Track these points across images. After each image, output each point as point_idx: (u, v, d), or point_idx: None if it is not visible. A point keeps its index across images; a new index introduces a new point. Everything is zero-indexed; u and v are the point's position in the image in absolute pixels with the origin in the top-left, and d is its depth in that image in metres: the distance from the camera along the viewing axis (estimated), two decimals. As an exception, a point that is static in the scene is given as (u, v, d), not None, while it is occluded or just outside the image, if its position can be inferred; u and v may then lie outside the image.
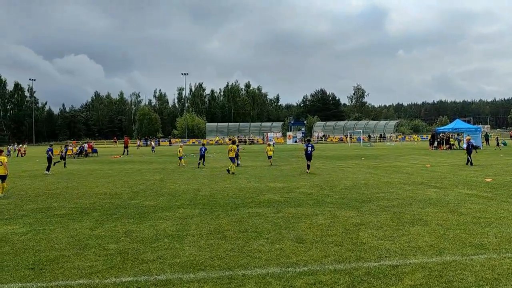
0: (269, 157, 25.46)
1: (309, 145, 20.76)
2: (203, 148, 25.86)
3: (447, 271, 5.65)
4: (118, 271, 5.95)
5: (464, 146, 42.46)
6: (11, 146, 50.90)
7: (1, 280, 5.64)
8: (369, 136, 78.55)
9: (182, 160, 27.13)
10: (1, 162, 13.97)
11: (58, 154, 38.85)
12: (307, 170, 20.06)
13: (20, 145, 49.33)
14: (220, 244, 7.27)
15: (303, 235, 7.75)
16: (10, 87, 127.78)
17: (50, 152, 24.02)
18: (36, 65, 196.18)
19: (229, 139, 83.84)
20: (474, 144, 24.45)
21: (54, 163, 24.64)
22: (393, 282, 5.32)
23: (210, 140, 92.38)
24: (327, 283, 5.33)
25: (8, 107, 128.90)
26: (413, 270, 5.72)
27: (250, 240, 7.50)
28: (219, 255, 6.63)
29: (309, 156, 20.35)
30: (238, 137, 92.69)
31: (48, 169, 22.99)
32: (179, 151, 27.63)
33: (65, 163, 27.09)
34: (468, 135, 35.19)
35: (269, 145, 27.95)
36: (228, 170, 20.36)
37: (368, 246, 6.97)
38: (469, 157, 22.95)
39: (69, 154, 40.81)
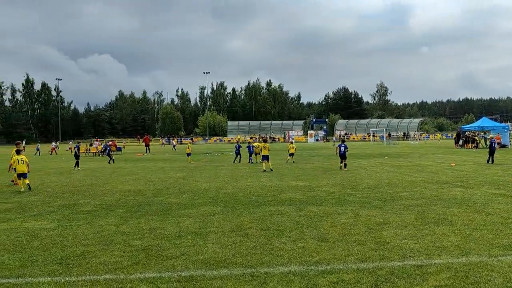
0: (291, 154, 26.09)
1: (342, 145, 21.03)
2: (238, 145, 28.10)
3: (474, 272, 5.54)
4: (143, 267, 6.06)
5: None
6: (39, 144, 52.19)
7: (31, 274, 5.82)
8: (389, 135, 77.24)
9: (190, 157, 29.14)
10: (23, 160, 15.09)
11: (84, 152, 39.68)
12: (344, 169, 20.34)
13: (54, 144, 50.91)
14: (242, 241, 7.32)
15: (325, 234, 7.72)
16: (37, 86, 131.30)
17: (76, 149, 24.88)
18: (61, 65, 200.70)
19: (262, 138, 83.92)
20: (502, 143, 23.83)
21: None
22: (418, 282, 5.25)
23: (232, 139, 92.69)
24: (350, 282, 5.30)
25: (35, 106, 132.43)
26: (438, 271, 5.63)
27: (272, 238, 7.52)
28: (241, 252, 6.67)
29: (343, 156, 20.70)
30: (259, 135, 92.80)
31: (76, 165, 23.84)
32: (188, 147, 30.14)
33: (77, 162, 26.29)
34: (498, 133, 34.34)
35: (291, 143, 28.56)
36: (270, 169, 20.28)
37: (391, 245, 6.89)
38: (491, 155, 22.75)
39: (93, 152, 41.77)
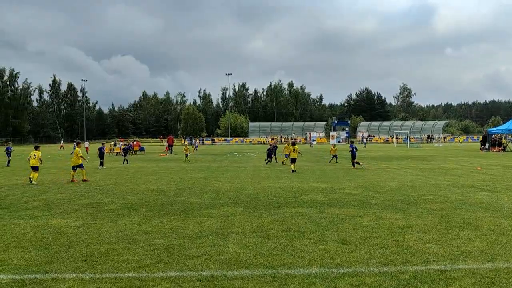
0: (334, 156, 27.37)
1: (352, 145, 23.63)
2: (274, 146, 28.97)
3: (500, 278, 5.41)
4: (165, 265, 6.13)
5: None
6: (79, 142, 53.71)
7: (57, 270, 5.97)
8: (407, 137, 75.54)
9: (188, 157, 30.99)
10: (35, 155, 17.35)
11: (108, 152, 40.39)
12: (361, 166, 22.35)
13: (87, 142, 52.93)
14: (263, 242, 7.33)
15: (347, 236, 7.66)
16: (63, 87, 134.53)
17: (101, 149, 25.71)
18: (85, 66, 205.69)
19: (291, 139, 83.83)
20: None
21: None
22: (441, 287, 5.15)
23: (253, 140, 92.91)
24: (372, 285, 5.25)
25: (62, 106, 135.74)
26: (462, 276, 5.52)
27: (293, 239, 7.51)
28: (262, 253, 6.68)
29: (353, 155, 23.08)
30: (281, 136, 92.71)
31: (101, 165, 24.55)
32: (185, 148, 32.37)
33: (102, 162, 26.94)
34: None
35: (334, 145, 29.29)
36: (293, 171, 20.26)
37: (414, 249, 6.79)
38: None
39: (117, 152, 42.45)
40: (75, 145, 21.65)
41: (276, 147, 29.27)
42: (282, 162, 26.09)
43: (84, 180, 17.60)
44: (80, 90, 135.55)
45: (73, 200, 12.47)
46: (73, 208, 11.07)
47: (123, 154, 30.71)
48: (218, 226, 8.67)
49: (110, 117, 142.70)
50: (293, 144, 22.40)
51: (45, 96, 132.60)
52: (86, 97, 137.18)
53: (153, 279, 5.59)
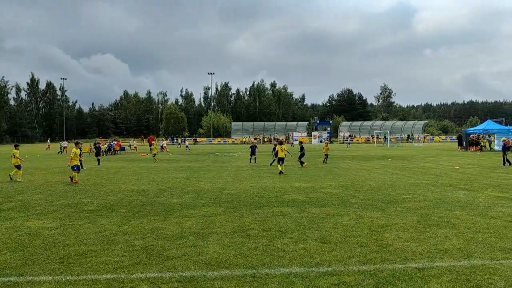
0: (326, 155, 27.43)
1: (302, 145, 25.46)
2: (254, 145, 29.21)
3: (475, 275, 5.51)
4: (144, 266, 6.06)
5: (496, 147, 41.36)
6: (63, 142, 52.51)
7: (32, 272, 5.83)
8: (384, 137, 76.34)
9: (156, 157, 30.80)
10: (13, 154, 17.94)
11: (88, 151, 39.84)
12: (303, 165, 23.54)
13: (65, 142, 51.98)
14: (244, 242, 7.31)
15: (327, 235, 7.70)
16: (42, 86, 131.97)
17: (96, 150, 25.72)
18: (64, 65, 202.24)
19: (276, 140, 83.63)
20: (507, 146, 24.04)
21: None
22: (419, 285, 5.22)
23: (236, 140, 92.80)
24: (351, 284, 5.28)
25: (40, 105, 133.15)
26: (439, 274, 5.60)
27: (274, 239, 7.51)
28: (243, 253, 6.66)
29: (302, 154, 24.79)
30: (263, 136, 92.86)
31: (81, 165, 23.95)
32: (154, 148, 32.02)
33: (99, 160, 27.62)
34: (509, 138, 34.34)
35: (326, 144, 29.22)
36: (280, 172, 19.61)
37: (393, 248, 6.86)
38: (505, 157, 23.20)
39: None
40: (61, 145, 21.86)
41: (256, 146, 29.29)
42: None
43: (74, 182, 16.86)
44: (60, 89, 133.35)
45: (50, 201, 12.23)
46: (50, 209, 10.85)
47: (95, 154, 30.13)
48: (199, 226, 8.61)
49: (90, 116, 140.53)
50: (280, 143, 22.10)
51: (23, 94, 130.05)
52: (65, 96, 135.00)
53: (131, 280, 5.51)
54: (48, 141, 68.48)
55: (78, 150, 17.79)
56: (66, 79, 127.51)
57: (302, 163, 23.92)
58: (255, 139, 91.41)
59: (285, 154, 20.64)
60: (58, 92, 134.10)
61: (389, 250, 6.74)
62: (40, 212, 10.42)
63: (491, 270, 5.70)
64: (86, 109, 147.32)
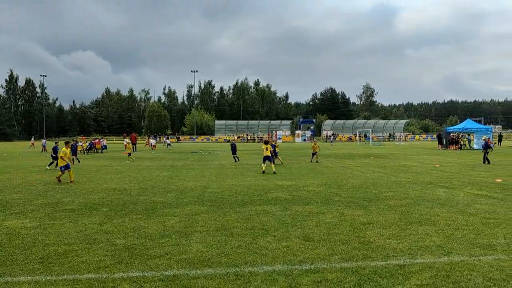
0: (314, 153, 26.47)
1: (273, 145, 23.78)
2: (233, 144, 28.76)
3: (455, 272, 5.62)
4: (126, 266, 6.00)
5: (475, 146, 42.20)
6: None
7: (11, 273, 5.72)
8: (365, 136, 77.00)
9: (131, 156, 30.64)
10: None
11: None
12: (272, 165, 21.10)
13: (44, 140, 50.84)
14: (227, 241, 7.30)
15: (310, 233, 7.74)
16: (21, 83, 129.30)
17: (53, 150, 23.72)
18: (44, 62, 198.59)
19: (261, 138, 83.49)
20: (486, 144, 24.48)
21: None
22: (400, 281, 5.30)
23: (219, 138, 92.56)
24: (334, 281, 5.32)
25: (19, 102, 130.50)
26: (420, 270, 5.69)
27: (257, 237, 7.52)
28: (226, 251, 6.65)
29: (275, 154, 23.39)
30: (247, 134, 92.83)
31: (53, 164, 22.70)
32: (129, 148, 31.76)
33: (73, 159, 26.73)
34: (487, 137, 35.02)
35: (315, 142, 28.04)
36: (273, 172, 19.26)
37: (375, 245, 6.94)
38: (485, 155, 23.66)
39: (79, 150, 41.23)
40: (36, 144, 20.68)
41: (235, 145, 28.89)
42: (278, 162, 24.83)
43: (59, 180, 16.38)
44: (39, 86, 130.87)
45: (30, 200, 12.00)
46: (29, 208, 10.65)
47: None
48: (182, 225, 8.57)
49: (71, 114, 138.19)
50: (266, 142, 21.99)
51: (1, 91, 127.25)
52: (45, 93, 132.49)
53: (113, 279, 5.45)
54: (32, 139, 66.26)
55: (69, 150, 17.33)
56: (46, 76, 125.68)
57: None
58: (238, 137, 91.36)
59: (271, 153, 20.43)
60: (38, 89, 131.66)
61: (371, 247, 6.82)
62: (19, 211, 10.21)
63: (470, 266, 5.82)
64: (66, 106, 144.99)
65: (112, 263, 6.13)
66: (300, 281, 5.35)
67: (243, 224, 8.59)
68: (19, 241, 7.37)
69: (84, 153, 39.14)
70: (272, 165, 20.07)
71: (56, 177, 16.62)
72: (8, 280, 5.43)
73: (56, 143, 25.51)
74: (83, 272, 5.74)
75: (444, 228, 8.04)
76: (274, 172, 19.09)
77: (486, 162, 23.30)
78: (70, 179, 16.48)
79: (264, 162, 19.87)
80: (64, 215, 9.65)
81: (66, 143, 17.77)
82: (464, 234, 7.60)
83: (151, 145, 52.76)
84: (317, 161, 25.86)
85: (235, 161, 26.86)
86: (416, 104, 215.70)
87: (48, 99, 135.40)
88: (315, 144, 26.97)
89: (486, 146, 24.08)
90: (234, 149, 27.94)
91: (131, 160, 28.89)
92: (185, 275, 5.59)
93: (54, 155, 23.16)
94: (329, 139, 71.80)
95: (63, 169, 16.52)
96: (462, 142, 44.19)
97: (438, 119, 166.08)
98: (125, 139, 47.26)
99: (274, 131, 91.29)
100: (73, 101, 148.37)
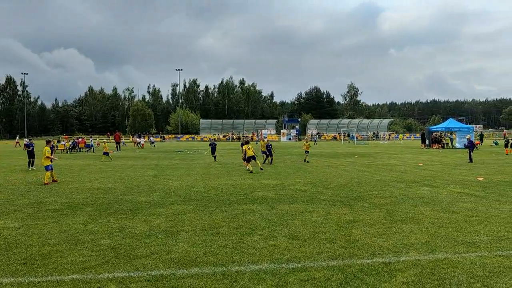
0: (307, 152, 25.80)
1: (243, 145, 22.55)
2: (213, 143, 28.31)
3: (439, 269, 5.70)
4: (111, 266, 5.93)
5: (457, 145, 42.90)
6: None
7: (-7, 274, 5.61)
8: (349, 135, 77.31)
9: (109, 156, 30.18)
10: None
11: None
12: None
13: (26, 139, 49.55)
14: (214, 240, 7.27)
15: (296, 232, 7.77)
16: (1, 80, 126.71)
17: (31, 148, 23.19)
18: (25, 59, 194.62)
19: (243, 137, 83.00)
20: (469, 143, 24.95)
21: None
22: (386, 279, 5.35)
23: (204, 137, 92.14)
24: (320, 279, 5.35)
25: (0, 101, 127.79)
26: (405, 267, 5.76)
27: (244, 236, 7.51)
28: (212, 251, 6.63)
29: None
30: (232, 133, 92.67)
31: (31, 164, 22.02)
32: (105, 147, 30.98)
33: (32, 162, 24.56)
34: (469, 135, 35.66)
35: (306, 140, 27.82)
36: (260, 168, 19.43)
37: (361, 243, 7.00)
38: (469, 154, 24.08)
39: (61, 149, 40.62)
40: (21, 143, 19.68)
41: (215, 144, 28.44)
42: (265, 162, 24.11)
43: (53, 181, 16.03)
44: (20, 84, 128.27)
45: (11, 200, 11.78)
46: (11, 208, 10.45)
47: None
48: (168, 224, 8.51)
49: (54, 112, 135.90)
50: (247, 142, 21.86)
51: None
52: (26, 91, 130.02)
53: (98, 280, 5.39)
54: (17, 137, 64.53)
55: (49, 148, 16.62)
56: (27, 73, 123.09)
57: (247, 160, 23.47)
58: (224, 136, 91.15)
59: (252, 152, 20.22)
60: (19, 88, 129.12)
61: (356, 245, 6.87)
62: (1, 212, 10.02)
63: (454, 263, 5.91)
64: (49, 105, 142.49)
65: (97, 263, 6.06)
66: (287, 279, 5.36)
67: (229, 223, 8.57)
68: (1, 241, 7.23)
69: (66, 152, 38.58)
70: (258, 162, 20.06)
71: (45, 183, 15.41)
72: (-10, 282, 5.33)
73: (30, 139, 24.93)
74: (68, 273, 5.66)
75: (429, 226, 8.15)
76: (261, 169, 19.17)
77: (468, 160, 23.72)
78: (53, 178, 16.22)
79: (249, 162, 19.85)
80: (47, 215, 9.49)
81: (48, 142, 17.31)
82: (447, 231, 7.72)
83: (140, 143, 52.34)
84: (308, 161, 24.98)
85: (215, 160, 26.54)
86: (399, 103, 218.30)
87: (30, 98, 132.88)
88: (307, 142, 26.36)
89: (471, 145, 24.43)
90: (213, 149, 27.47)
91: (107, 160, 28.44)
92: (172, 275, 5.56)
93: (29, 150, 22.66)
94: (313, 138, 72.05)
95: (49, 168, 15.90)
96: (444, 141, 44.86)
97: (421, 118, 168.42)
98: (90, 139, 46.82)
99: (259, 130, 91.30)
100: (56, 100, 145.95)
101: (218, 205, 10.69)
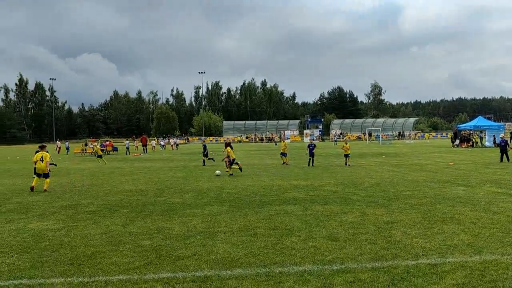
0: (347, 155, 23.53)
1: (312, 145, 23.59)
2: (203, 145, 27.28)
3: (489, 271, 5.54)
4: (155, 267, 6.00)
5: (487, 143, 41.80)
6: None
7: (42, 275, 5.74)
8: (370, 134, 76.10)
9: (103, 158, 30.35)
10: (43, 158, 14.78)
11: (80, 152, 39.51)
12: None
13: (58, 142, 50.89)
14: (253, 241, 7.27)
15: (334, 233, 7.70)
16: (31, 86, 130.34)
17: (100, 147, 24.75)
18: (51, 65, 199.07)
19: (269, 138, 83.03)
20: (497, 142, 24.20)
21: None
22: (435, 281, 5.24)
23: (228, 138, 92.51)
24: (367, 281, 5.28)
25: (29, 106, 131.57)
26: (453, 269, 5.62)
27: (282, 237, 7.48)
28: (253, 252, 6.63)
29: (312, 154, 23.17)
30: (255, 135, 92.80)
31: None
32: (96, 149, 32.10)
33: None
34: (503, 133, 34.79)
35: (346, 142, 26.48)
36: (230, 174, 18.83)
37: (403, 244, 6.88)
38: (505, 153, 22.93)
39: (89, 152, 41.51)
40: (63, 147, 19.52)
41: (206, 146, 27.13)
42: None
43: (44, 190, 14.38)
44: (49, 89, 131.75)
45: (49, 202, 12.08)
46: (50, 210, 10.71)
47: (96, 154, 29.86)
48: (204, 225, 8.56)
49: (80, 117, 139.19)
50: (228, 144, 21.46)
51: (12, 95, 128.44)
52: (55, 96, 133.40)
53: (145, 281, 5.45)
54: (57, 141, 57.97)
55: (48, 154, 15.36)
56: (55, 79, 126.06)
57: (211, 159, 25.54)
58: (247, 137, 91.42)
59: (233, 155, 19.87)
60: (48, 93, 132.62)
61: (399, 246, 6.76)
62: (41, 213, 10.28)
63: (504, 265, 5.73)
64: (75, 109, 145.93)
65: (141, 264, 6.14)
66: (333, 281, 5.31)
67: (265, 224, 8.56)
68: (46, 243, 7.41)
69: (95, 155, 39.40)
70: (229, 168, 19.22)
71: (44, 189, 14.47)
72: (41, 282, 5.45)
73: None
74: (114, 274, 5.75)
75: (470, 227, 7.95)
76: (231, 174, 18.66)
77: (505, 159, 22.75)
78: (44, 187, 14.61)
79: (231, 165, 19.23)
80: (86, 217, 9.69)
81: (43, 147, 15.65)
82: (492, 232, 7.50)
83: (163, 146, 53.06)
84: (349, 165, 22.53)
85: (203, 164, 24.92)
86: (424, 102, 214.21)
87: (57, 102, 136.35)
88: (346, 144, 23.95)
89: (505, 144, 23.62)
90: (205, 150, 26.04)
91: (102, 163, 28.42)
92: (216, 276, 5.58)
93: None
94: (334, 139, 71.23)
95: (46, 176, 14.86)
96: (474, 140, 43.82)
97: (447, 117, 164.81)
98: (126, 141, 47.67)
99: (282, 131, 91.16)
100: (82, 104, 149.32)
101: (251, 206, 10.69)
